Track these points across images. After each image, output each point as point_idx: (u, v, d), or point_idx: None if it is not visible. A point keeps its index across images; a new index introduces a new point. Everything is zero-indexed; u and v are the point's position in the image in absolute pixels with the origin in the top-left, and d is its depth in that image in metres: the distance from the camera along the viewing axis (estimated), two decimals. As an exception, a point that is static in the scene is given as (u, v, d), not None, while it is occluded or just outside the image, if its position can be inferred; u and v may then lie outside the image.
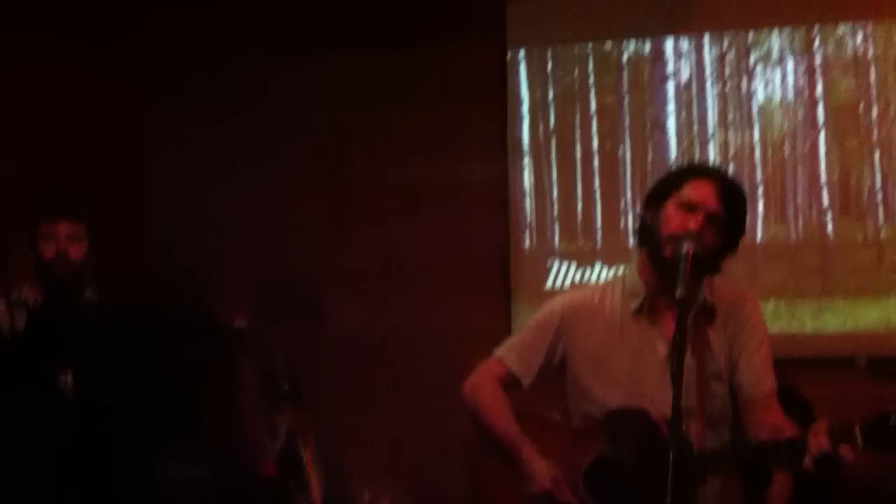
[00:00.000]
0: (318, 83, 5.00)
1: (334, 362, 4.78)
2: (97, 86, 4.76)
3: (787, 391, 3.36)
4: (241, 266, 4.73)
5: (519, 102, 4.93)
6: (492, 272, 4.78)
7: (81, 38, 4.73)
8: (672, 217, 2.35)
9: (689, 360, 2.31)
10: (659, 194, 2.43)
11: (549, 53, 4.93)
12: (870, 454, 2.02)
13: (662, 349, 2.41)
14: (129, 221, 4.81)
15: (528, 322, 2.67)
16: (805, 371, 3.82)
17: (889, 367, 3.52)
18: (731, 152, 4.68)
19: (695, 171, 2.46)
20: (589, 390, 2.48)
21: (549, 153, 4.91)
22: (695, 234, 2.30)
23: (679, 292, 2.19)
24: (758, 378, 2.42)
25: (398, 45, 4.96)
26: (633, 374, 2.43)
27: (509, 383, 2.59)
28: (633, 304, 2.46)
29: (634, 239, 2.57)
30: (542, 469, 2.41)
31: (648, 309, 2.46)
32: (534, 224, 4.85)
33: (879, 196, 4.47)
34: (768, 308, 4.43)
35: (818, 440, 2.08)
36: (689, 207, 2.35)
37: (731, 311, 2.44)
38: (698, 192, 2.35)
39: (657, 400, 2.31)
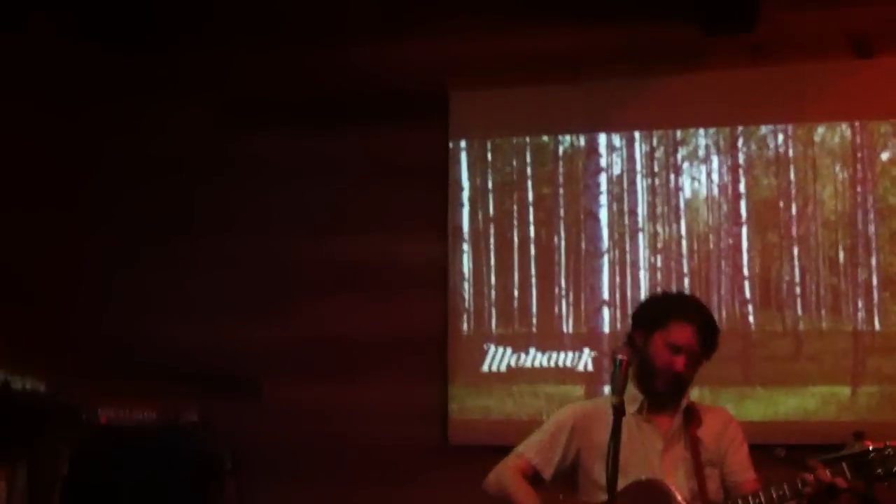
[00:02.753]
0: (264, 159, 5.15)
1: (272, 438, 4.83)
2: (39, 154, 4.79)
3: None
4: (178, 342, 4.78)
5: (459, 189, 5.12)
6: (429, 352, 4.90)
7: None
8: (660, 353, 2.90)
9: (682, 452, 2.93)
10: (647, 324, 2.94)
11: (489, 144, 5.15)
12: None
13: (659, 443, 2.93)
14: (65, 304, 4.83)
15: (545, 424, 3.10)
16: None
17: (804, 458, 3.67)
18: (660, 244, 4.91)
19: (679, 313, 2.94)
20: (599, 482, 2.83)
21: (487, 239, 5.09)
22: (677, 375, 2.90)
23: (614, 400, 2.60)
24: (745, 468, 2.96)
25: (345, 125, 5.13)
26: (637, 464, 2.87)
27: (531, 477, 2.99)
28: (633, 408, 2.90)
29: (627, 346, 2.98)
30: None
31: (647, 411, 2.97)
32: (471, 308, 5.01)
33: (798, 289, 4.71)
34: (693, 394, 4.59)
35: (818, 473, 2.60)
36: (675, 350, 2.87)
37: (714, 417, 3.04)
38: (682, 335, 2.89)
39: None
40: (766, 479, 3.04)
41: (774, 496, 2.72)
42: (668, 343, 2.89)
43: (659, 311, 2.98)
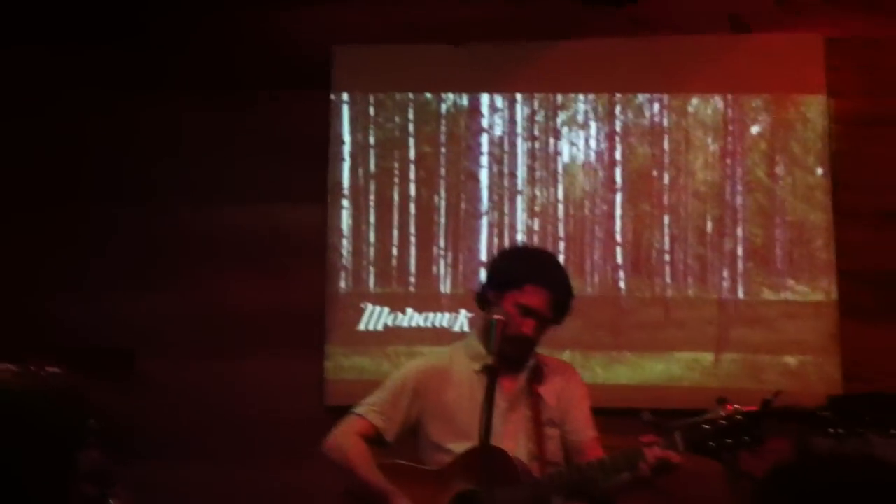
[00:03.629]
0: (146, 127, 4.98)
1: (152, 413, 4.75)
2: None
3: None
4: (54, 314, 4.61)
5: (341, 144, 5.06)
6: (312, 320, 4.86)
7: None
8: (510, 315, 2.79)
9: (524, 411, 2.86)
10: (502, 283, 2.85)
11: (371, 99, 5.09)
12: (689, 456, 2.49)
13: (503, 403, 2.81)
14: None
15: (385, 383, 2.98)
16: (598, 420, 4.12)
17: (669, 422, 3.84)
18: (538, 207, 4.98)
19: (535, 276, 2.84)
20: (441, 443, 2.82)
21: (367, 197, 5.05)
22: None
23: (490, 360, 2.61)
24: (586, 426, 2.93)
25: (230, 93, 5.01)
26: (479, 425, 2.66)
27: (373, 438, 2.88)
28: (476, 366, 2.82)
29: (477, 303, 2.99)
30: None
31: (485, 369, 2.75)
32: (350, 266, 4.98)
33: (667, 258, 4.87)
34: (564, 358, 4.73)
35: (651, 449, 2.53)
36: (526, 312, 2.78)
37: (556, 372, 2.97)
38: (536, 300, 2.80)
39: (503, 447, 2.74)
40: (632, 444, 3.15)
41: (610, 467, 2.68)
42: (521, 305, 2.81)
43: (514, 272, 2.87)
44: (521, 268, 2.88)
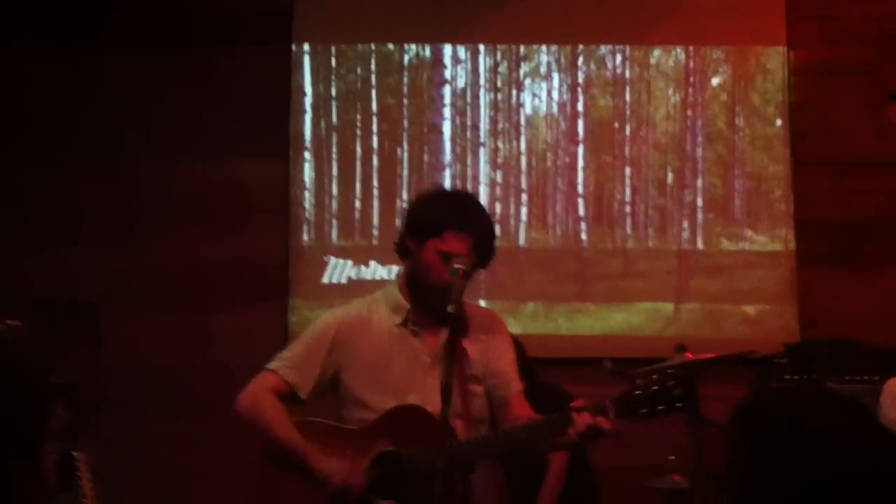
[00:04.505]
0: (107, 78, 4.90)
1: (115, 365, 4.73)
2: None
3: (548, 387, 3.73)
4: (16, 268, 4.55)
5: (302, 96, 5.01)
6: (275, 273, 4.85)
7: None
8: (432, 264, 2.60)
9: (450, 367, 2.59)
10: (421, 231, 2.64)
11: (333, 50, 5.04)
12: (620, 423, 2.37)
13: (426, 357, 2.64)
14: None
15: (302, 336, 2.78)
16: (560, 369, 4.19)
17: (630, 370, 3.91)
18: (500, 160, 4.99)
19: (456, 222, 2.63)
20: (362, 399, 2.65)
21: (330, 149, 5.02)
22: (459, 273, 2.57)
23: (451, 308, 2.48)
24: (510, 378, 2.71)
25: (179, 40, 4.93)
26: (402, 382, 2.63)
27: (286, 395, 2.69)
28: (397, 319, 2.67)
29: (397, 252, 2.77)
30: (332, 468, 2.56)
31: (412, 322, 2.68)
32: (312, 219, 4.96)
33: (628, 209, 4.91)
34: (528, 310, 4.80)
35: (580, 416, 2.38)
36: (447, 258, 2.59)
37: (480, 323, 2.73)
38: (458, 246, 2.59)
39: (424, 402, 2.56)
40: (592, 393, 3.17)
41: (538, 431, 2.52)
42: (442, 252, 2.59)
43: (434, 219, 2.63)
44: (440, 213, 2.65)
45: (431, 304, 2.61)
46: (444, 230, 2.59)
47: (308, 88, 5.02)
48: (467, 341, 2.67)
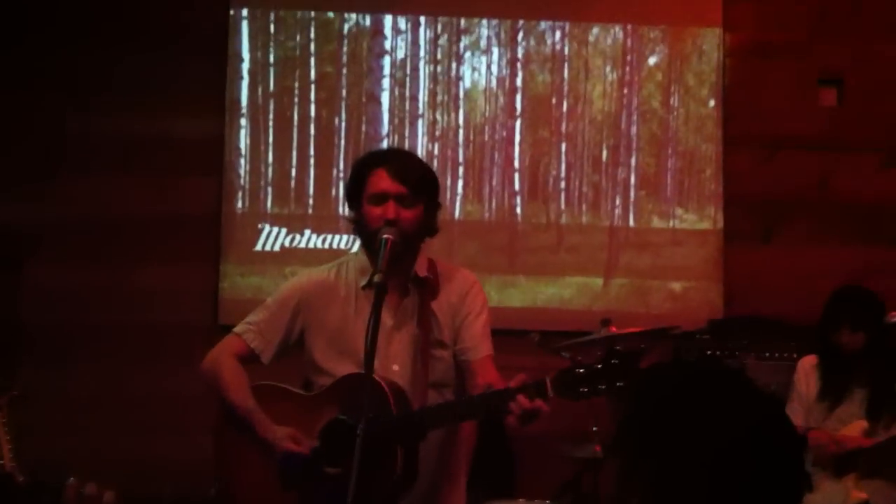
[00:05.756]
0: (30, 28, 4.79)
1: (37, 318, 4.67)
2: None
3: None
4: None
5: (239, 62, 4.97)
6: (203, 233, 4.81)
7: None
8: (369, 214, 2.57)
9: (413, 330, 2.61)
10: (352, 196, 2.65)
11: (272, 16, 5.00)
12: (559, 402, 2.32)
13: (389, 321, 2.58)
14: None
15: (267, 300, 2.76)
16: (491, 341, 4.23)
17: (557, 343, 3.97)
18: (438, 132, 5.00)
19: (368, 162, 2.64)
20: (323, 365, 2.64)
21: (266, 116, 4.99)
22: (393, 222, 2.53)
23: (378, 277, 2.41)
24: (477, 344, 2.66)
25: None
26: (363, 346, 2.47)
27: (248, 359, 2.70)
28: (362, 281, 2.63)
29: (354, 231, 2.73)
30: (280, 434, 2.56)
31: (373, 286, 2.52)
32: (247, 186, 4.94)
33: (563, 184, 4.97)
34: (460, 281, 4.83)
35: (519, 400, 2.33)
36: (378, 199, 2.57)
37: (454, 286, 2.68)
38: (379, 182, 2.58)
39: (386, 368, 2.55)
40: (520, 366, 3.20)
41: (479, 406, 2.47)
42: (371, 197, 2.57)
43: (354, 178, 2.65)
44: (358, 167, 2.67)
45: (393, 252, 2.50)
46: (366, 178, 2.59)
47: (245, 54, 4.98)
48: (436, 304, 2.63)
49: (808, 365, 3.68)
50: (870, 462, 3.44)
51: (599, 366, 2.30)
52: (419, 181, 2.60)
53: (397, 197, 2.56)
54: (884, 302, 3.42)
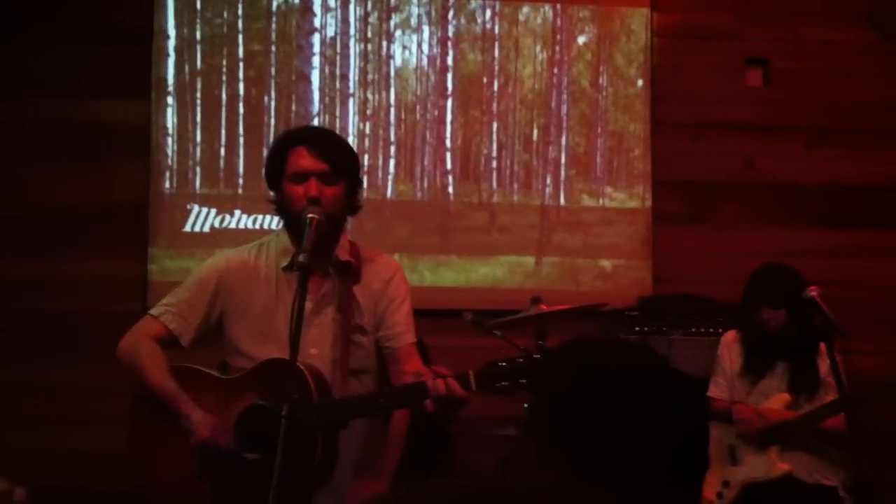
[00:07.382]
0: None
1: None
2: None
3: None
4: None
5: (165, 39, 4.87)
6: (132, 216, 4.72)
7: None
8: (291, 193, 2.52)
9: (333, 315, 2.56)
10: (274, 175, 2.58)
11: (199, -7, 4.91)
12: (481, 395, 2.31)
13: (308, 304, 2.47)
14: None
15: (186, 281, 2.67)
16: (423, 321, 4.21)
17: (490, 322, 3.98)
18: (369, 111, 4.97)
19: (287, 141, 2.58)
20: (242, 348, 2.58)
21: (194, 95, 4.90)
22: (316, 200, 2.49)
23: (303, 258, 2.36)
24: (402, 331, 2.63)
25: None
26: (285, 330, 2.45)
27: (167, 342, 2.62)
28: (283, 262, 2.58)
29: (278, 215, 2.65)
30: (199, 419, 2.49)
31: (298, 267, 2.45)
32: (175, 166, 4.85)
33: (494, 164, 4.98)
34: (392, 261, 4.82)
35: (436, 386, 2.32)
36: (299, 178, 2.52)
37: (377, 272, 2.64)
38: (297, 160, 2.52)
39: (304, 352, 2.45)
40: (454, 345, 3.19)
41: (398, 397, 2.46)
42: (292, 176, 2.52)
43: (274, 157, 2.58)
44: (278, 146, 2.60)
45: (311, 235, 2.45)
46: (286, 156, 2.54)
47: (172, 31, 4.88)
48: (358, 289, 2.59)
49: (729, 340, 3.75)
50: (793, 435, 3.52)
51: (521, 359, 2.30)
52: (340, 158, 2.57)
53: (319, 175, 2.51)
54: (804, 279, 3.48)
